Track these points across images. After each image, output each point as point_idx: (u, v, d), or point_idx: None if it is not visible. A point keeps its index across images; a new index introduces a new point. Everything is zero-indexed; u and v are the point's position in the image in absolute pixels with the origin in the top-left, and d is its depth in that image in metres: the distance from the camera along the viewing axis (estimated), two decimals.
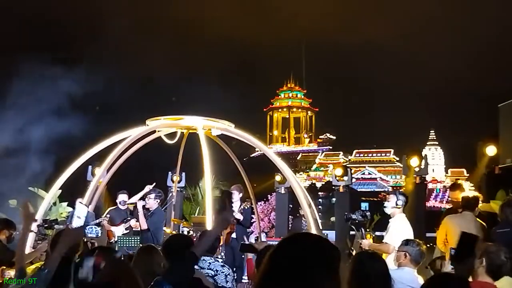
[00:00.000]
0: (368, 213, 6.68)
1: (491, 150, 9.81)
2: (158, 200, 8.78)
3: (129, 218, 9.36)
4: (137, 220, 9.12)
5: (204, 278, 4.30)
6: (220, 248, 9.11)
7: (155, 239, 8.38)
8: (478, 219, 6.62)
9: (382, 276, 3.28)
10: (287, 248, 1.79)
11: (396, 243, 6.10)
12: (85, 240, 5.34)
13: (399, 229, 6.29)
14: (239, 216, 9.40)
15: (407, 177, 9.96)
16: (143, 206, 8.71)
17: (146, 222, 8.62)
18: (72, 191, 10.52)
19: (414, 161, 9.60)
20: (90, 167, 10.53)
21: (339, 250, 1.83)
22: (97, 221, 8.64)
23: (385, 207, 6.49)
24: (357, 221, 6.55)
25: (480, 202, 7.05)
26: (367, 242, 6.30)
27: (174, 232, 8.90)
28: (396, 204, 6.36)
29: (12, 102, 10.34)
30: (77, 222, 3.64)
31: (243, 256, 9.89)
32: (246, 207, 9.53)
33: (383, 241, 6.42)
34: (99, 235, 5.81)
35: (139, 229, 9.43)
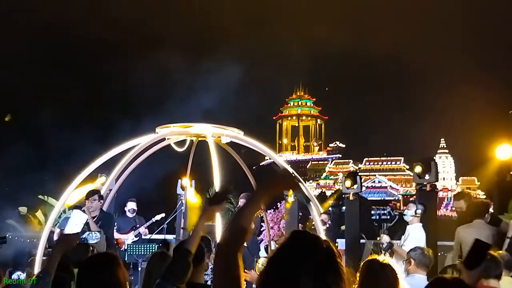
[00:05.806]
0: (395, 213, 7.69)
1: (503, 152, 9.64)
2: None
3: (138, 226, 9.37)
4: (146, 227, 9.09)
5: None
6: None
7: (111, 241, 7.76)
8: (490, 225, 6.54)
9: (392, 284, 3.24)
10: (279, 256, 1.81)
11: None
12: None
13: (417, 237, 6.63)
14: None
15: None
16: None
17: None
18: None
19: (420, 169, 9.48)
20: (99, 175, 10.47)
21: (331, 247, 1.83)
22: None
23: (404, 214, 7.00)
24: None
25: (490, 208, 7.04)
26: (387, 238, 6.64)
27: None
28: (415, 213, 6.85)
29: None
30: (73, 229, 3.59)
31: (253, 263, 9.84)
32: (257, 215, 9.49)
33: (402, 248, 6.57)
34: (99, 239, 5.79)
35: (148, 236, 9.41)
